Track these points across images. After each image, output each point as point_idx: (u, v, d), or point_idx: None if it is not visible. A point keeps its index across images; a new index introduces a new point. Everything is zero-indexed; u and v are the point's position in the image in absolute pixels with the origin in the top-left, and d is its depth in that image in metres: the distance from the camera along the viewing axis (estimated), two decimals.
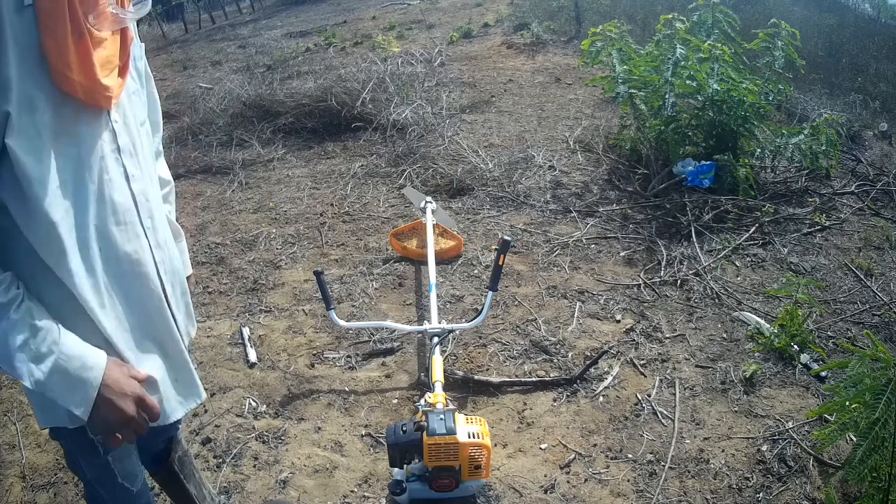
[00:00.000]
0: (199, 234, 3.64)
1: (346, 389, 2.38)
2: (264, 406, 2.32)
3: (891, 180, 3.87)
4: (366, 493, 1.95)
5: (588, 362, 2.39)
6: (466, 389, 2.34)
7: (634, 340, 2.57)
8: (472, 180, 3.98)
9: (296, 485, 1.99)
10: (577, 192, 3.84)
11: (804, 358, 2.40)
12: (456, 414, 1.74)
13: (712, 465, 1.99)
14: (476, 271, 3.10)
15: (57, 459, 2.10)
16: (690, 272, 3.00)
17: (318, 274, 2.23)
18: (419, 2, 10.34)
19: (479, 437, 1.70)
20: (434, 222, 3.07)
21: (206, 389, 1.44)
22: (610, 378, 2.36)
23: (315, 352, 2.59)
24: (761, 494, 1.88)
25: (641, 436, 2.12)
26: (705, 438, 2.09)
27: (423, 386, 2.33)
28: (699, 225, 3.35)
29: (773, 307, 2.74)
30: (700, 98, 3.72)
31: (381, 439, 2.13)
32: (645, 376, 2.38)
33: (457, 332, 2.59)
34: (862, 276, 2.95)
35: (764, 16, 5.41)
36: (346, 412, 2.28)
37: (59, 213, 0.90)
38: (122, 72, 1.01)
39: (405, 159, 4.33)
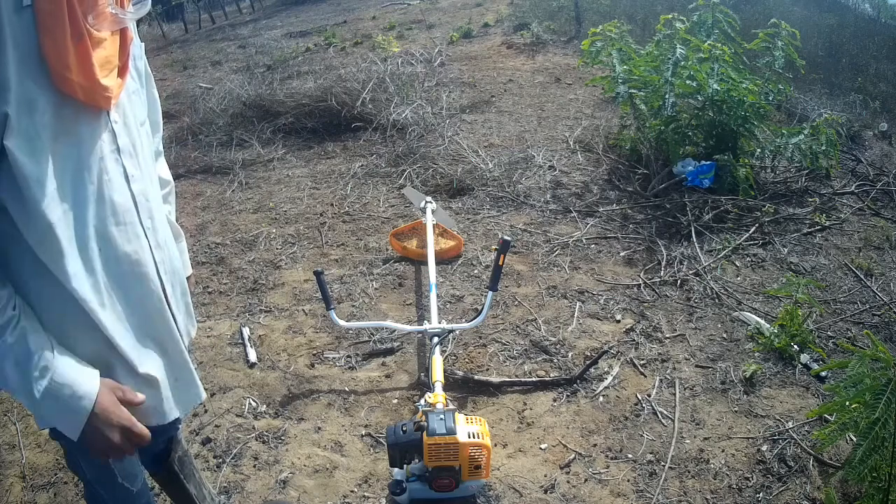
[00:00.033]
0: (199, 234, 3.64)
1: (346, 389, 2.38)
2: (264, 406, 2.32)
3: (891, 180, 3.87)
4: (366, 493, 1.95)
5: (588, 362, 2.39)
6: (466, 389, 2.34)
7: (634, 340, 2.57)
8: (472, 180, 3.98)
9: (296, 485, 1.99)
10: (577, 192, 3.84)
11: (804, 358, 2.40)
12: (456, 414, 1.74)
13: (712, 465, 1.99)
14: (476, 271, 3.10)
15: (57, 459, 2.10)
16: (690, 272, 3.00)
17: (318, 274, 2.24)
18: (419, 2, 10.34)
19: (479, 437, 1.70)
20: (434, 222, 3.06)
21: (206, 389, 1.44)
22: (610, 378, 2.36)
23: (315, 352, 2.59)
24: (761, 494, 1.88)
25: (641, 436, 2.12)
26: (705, 438, 2.09)
27: (423, 386, 2.33)
28: (699, 225, 3.35)
29: (773, 307, 2.74)
30: (700, 98, 3.72)
31: (381, 439, 2.13)
32: (645, 376, 2.38)
33: (457, 332, 2.59)
34: (862, 276, 2.95)
35: (764, 16, 5.41)
36: (346, 412, 2.28)
37: (56, 214, 0.90)
38: (122, 72, 1.01)
39: (405, 159, 4.33)
